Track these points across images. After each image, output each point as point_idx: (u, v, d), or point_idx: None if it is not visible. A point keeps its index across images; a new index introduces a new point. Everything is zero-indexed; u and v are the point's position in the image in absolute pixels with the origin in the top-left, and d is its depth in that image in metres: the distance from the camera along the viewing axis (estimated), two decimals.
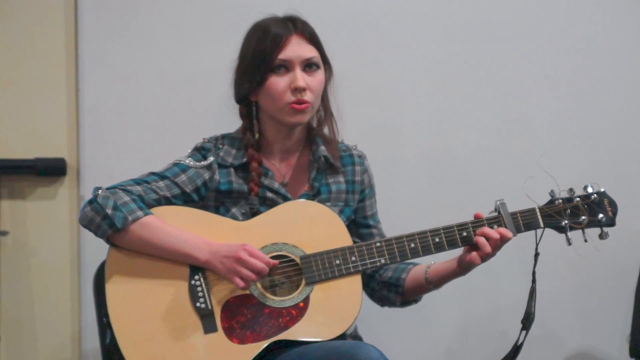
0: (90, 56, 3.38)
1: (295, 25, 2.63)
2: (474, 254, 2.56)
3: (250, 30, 2.67)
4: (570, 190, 2.62)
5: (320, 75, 2.64)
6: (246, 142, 2.67)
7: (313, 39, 2.64)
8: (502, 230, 2.56)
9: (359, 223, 2.79)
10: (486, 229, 2.56)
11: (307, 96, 2.60)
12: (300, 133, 2.72)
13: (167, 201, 2.60)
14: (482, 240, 2.55)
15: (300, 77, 2.59)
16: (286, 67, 2.60)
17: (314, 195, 2.70)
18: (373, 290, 2.80)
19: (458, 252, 2.64)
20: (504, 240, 2.56)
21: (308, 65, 2.62)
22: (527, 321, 2.63)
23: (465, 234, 2.58)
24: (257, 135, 2.67)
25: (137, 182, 2.59)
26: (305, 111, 2.61)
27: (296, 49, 2.60)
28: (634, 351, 3.43)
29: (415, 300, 2.80)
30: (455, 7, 3.51)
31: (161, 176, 2.61)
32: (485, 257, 2.56)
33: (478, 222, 2.59)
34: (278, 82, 2.59)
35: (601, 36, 3.56)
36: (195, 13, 3.42)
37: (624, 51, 3.58)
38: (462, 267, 2.62)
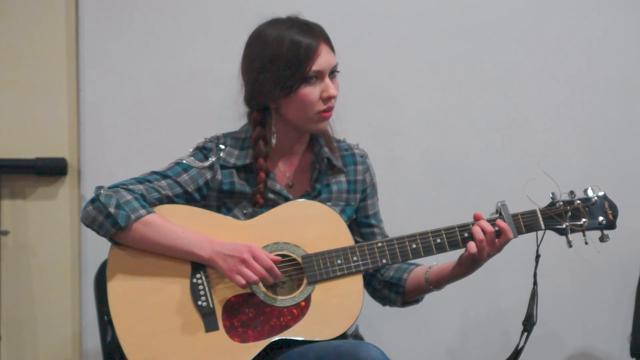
0: (91, 56, 3.38)
1: (316, 32, 2.61)
2: (470, 242, 2.56)
3: (269, 37, 2.60)
4: (571, 192, 2.62)
5: (338, 79, 2.66)
6: (258, 151, 2.65)
7: (331, 44, 2.65)
8: (503, 224, 2.56)
9: (361, 222, 2.79)
10: (483, 222, 2.56)
11: (334, 103, 2.63)
12: (306, 136, 2.72)
13: (169, 200, 2.60)
14: (477, 229, 2.55)
15: (332, 86, 2.60)
16: (317, 76, 2.59)
17: (314, 196, 2.70)
18: (374, 289, 2.81)
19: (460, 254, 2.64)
20: (504, 238, 2.55)
21: (332, 72, 2.63)
22: (529, 323, 2.63)
23: (466, 234, 2.57)
24: (274, 143, 2.65)
25: (139, 181, 2.59)
26: (329, 118, 2.64)
27: (327, 58, 2.60)
28: (635, 351, 3.43)
29: (416, 301, 2.80)
30: (455, 7, 3.51)
31: (163, 175, 2.61)
32: (482, 250, 2.54)
33: (479, 222, 2.58)
34: (312, 92, 2.58)
35: (601, 36, 3.56)
36: (195, 13, 3.42)
37: (625, 51, 3.58)
38: (463, 266, 2.61)
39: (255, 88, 2.63)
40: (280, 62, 2.57)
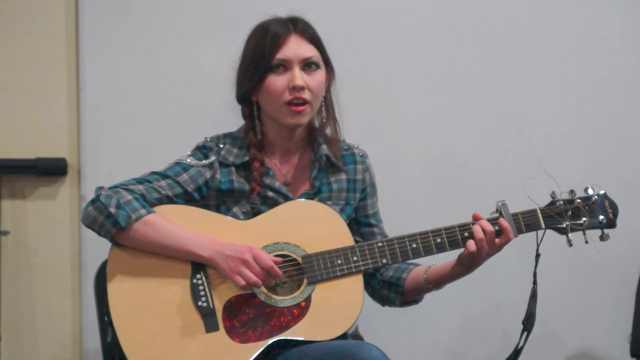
0: (91, 56, 3.39)
1: (295, 25, 2.63)
2: (469, 240, 2.55)
3: (252, 30, 2.68)
4: (571, 191, 2.62)
5: (319, 75, 2.64)
6: (248, 141, 2.67)
7: (313, 39, 2.65)
8: (505, 223, 2.56)
9: (361, 222, 2.80)
10: (484, 221, 2.56)
11: (306, 95, 2.60)
12: (301, 133, 2.72)
13: (169, 200, 2.60)
14: (477, 228, 2.55)
15: (299, 76, 2.59)
16: (285, 66, 2.60)
17: (314, 194, 2.70)
18: (374, 289, 2.81)
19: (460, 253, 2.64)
20: (504, 238, 2.55)
21: (307, 65, 2.62)
22: (529, 322, 2.63)
23: (467, 234, 2.57)
24: (259, 136, 2.67)
25: (139, 181, 2.60)
26: (303, 113, 2.62)
27: (295, 48, 2.60)
28: (635, 351, 3.43)
29: (416, 301, 2.80)
30: (455, 7, 3.51)
31: (163, 175, 2.62)
32: (481, 249, 2.54)
33: (479, 221, 2.58)
34: (276, 81, 2.60)
35: (601, 36, 3.56)
36: (195, 13, 3.42)
37: (624, 51, 3.58)
38: (462, 265, 2.61)
39: (237, 81, 2.68)
40: (250, 52, 2.62)
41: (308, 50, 2.63)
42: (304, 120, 2.64)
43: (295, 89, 2.59)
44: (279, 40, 2.59)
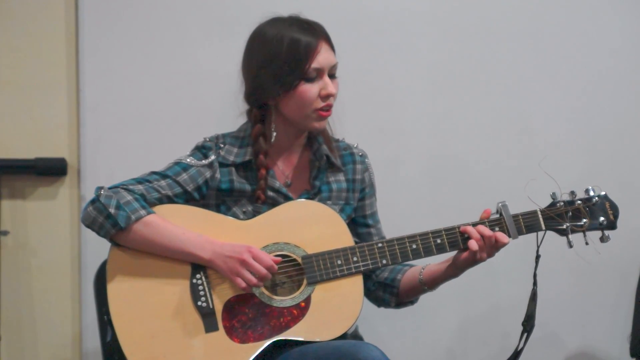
0: (91, 56, 3.38)
1: (317, 31, 2.62)
2: (471, 241, 2.55)
3: (269, 35, 2.61)
4: (572, 193, 2.62)
5: (337, 80, 2.66)
6: (257, 148, 2.66)
7: (331, 43, 2.66)
8: (498, 234, 2.56)
9: (358, 222, 2.80)
10: (482, 227, 2.56)
11: (332, 101, 2.63)
12: (304, 134, 2.73)
13: (169, 200, 2.60)
14: (473, 230, 2.56)
15: (331, 84, 2.61)
16: (317, 74, 2.60)
17: (314, 194, 2.70)
18: (369, 290, 2.80)
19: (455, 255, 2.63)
20: (499, 243, 2.55)
21: (332, 72, 2.64)
22: (528, 324, 2.63)
23: (466, 235, 2.57)
24: (273, 139, 2.66)
25: (139, 181, 2.60)
26: (328, 118, 2.64)
27: (326, 56, 2.61)
28: (635, 351, 3.43)
29: (411, 302, 2.81)
30: (455, 7, 3.51)
31: (163, 175, 2.62)
32: (481, 250, 2.55)
33: (479, 223, 2.58)
34: (310, 89, 2.59)
35: (601, 36, 3.56)
36: (195, 13, 3.41)
37: (625, 51, 3.58)
38: (457, 267, 2.61)
39: (255, 85, 2.64)
40: (280, 59, 2.58)
41: (334, 58, 2.64)
42: (325, 125, 2.67)
43: (328, 96, 2.61)
44: (314, 50, 2.58)
